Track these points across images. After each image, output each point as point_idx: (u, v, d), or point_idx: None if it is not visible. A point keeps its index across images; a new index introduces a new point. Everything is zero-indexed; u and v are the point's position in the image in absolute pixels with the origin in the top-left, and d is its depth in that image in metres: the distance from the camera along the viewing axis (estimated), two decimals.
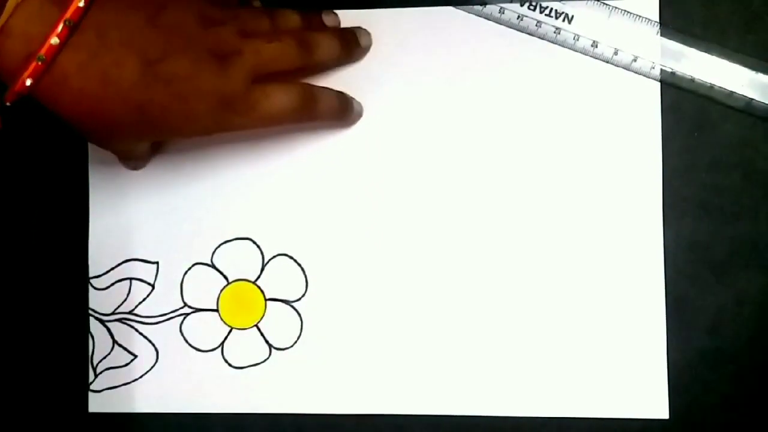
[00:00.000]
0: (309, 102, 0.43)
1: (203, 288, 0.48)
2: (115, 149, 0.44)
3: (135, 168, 0.48)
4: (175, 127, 0.40)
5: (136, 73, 0.38)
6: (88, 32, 0.37)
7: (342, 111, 0.46)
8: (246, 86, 0.40)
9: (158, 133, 0.42)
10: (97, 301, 0.49)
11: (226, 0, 0.43)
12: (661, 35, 0.44)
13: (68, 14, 0.36)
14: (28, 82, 0.37)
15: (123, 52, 0.38)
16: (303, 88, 0.43)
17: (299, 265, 0.48)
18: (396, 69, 0.47)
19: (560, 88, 0.46)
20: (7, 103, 0.37)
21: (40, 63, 0.36)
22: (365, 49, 0.47)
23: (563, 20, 0.45)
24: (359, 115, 0.47)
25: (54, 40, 0.36)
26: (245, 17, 0.42)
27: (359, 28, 0.46)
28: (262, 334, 0.48)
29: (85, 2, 0.37)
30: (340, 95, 0.46)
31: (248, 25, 0.42)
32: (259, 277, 0.48)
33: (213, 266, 0.48)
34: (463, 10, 0.46)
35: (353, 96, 0.47)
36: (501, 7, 0.45)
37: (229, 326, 0.48)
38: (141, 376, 0.48)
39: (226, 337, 0.48)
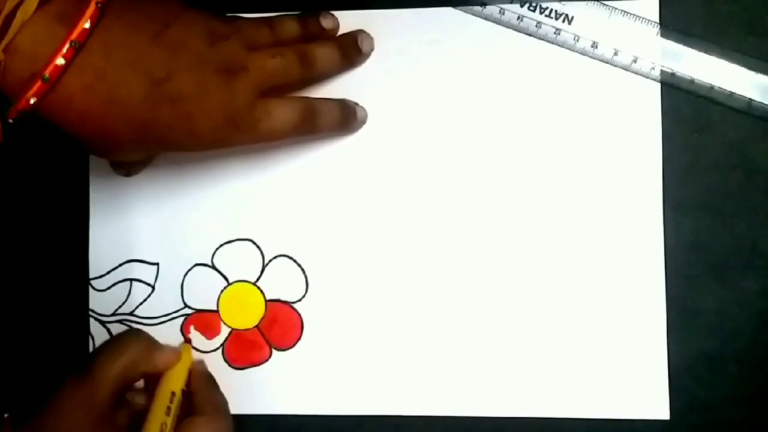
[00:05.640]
0: (311, 117, 0.43)
1: (204, 289, 0.48)
2: (113, 159, 0.44)
3: (127, 175, 0.48)
4: (179, 144, 0.40)
5: (141, 94, 0.38)
6: (93, 53, 0.37)
7: (344, 122, 0.46)
8: (250, 103, 0.40)
9: (161, 148, 0.42)
10: (98, 302, 0.49)
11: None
12: (661, 36, 0.44)
13: (74, 35, 0.36)
14: (32, 101, 0.36)
15: (128, 73, 0.38)
16: (305, 104, 0.43)
17: (299, 266, 0.48)
18: (395, 70, 0.47)
19: (560, 89, 0.46)
20: (10, 120, 0.37)
21: (44, 83, 0.36)
22: (367, 55, 0.46)
23: (563, 21, 0.45)
24: (363, 122, 0.47)
25: (59, 61, 0.36)
26: (247, 29, 0.42)
27: (361, 31, 0.46)
28: (262, 335, 0.48)
29: (91, 23, 0.36)
30: (343, 106, 0.46)
31: (251, 38, 0.41)
32: (259, 278, 0.48)
33: (213, 267, 0.48)
34: (463, 11, 0.46)
35: (352, 96, 0.47)
36: (501, 8, 0.45)
37: (229, 327, 0.48)
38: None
39: (226, 338, 0.48)
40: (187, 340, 0.48)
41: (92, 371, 0.43)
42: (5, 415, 0.45)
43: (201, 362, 0.47)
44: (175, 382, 0.45)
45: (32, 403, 0.45)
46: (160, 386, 0.44)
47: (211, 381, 0.47)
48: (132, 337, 0.45)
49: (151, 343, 0.45)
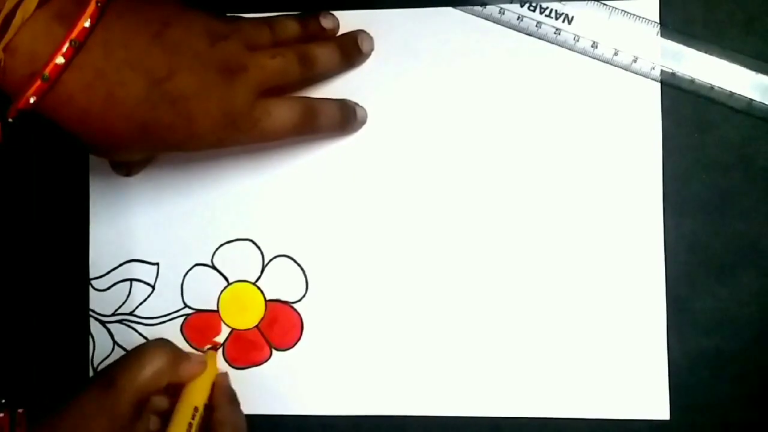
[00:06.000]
0: (311, 117, 0.43)
1: (204, 289, 0.48)
2: (113, 159, 0.44)
3: (127, 175, 0.48)
4: (179, 144, 0.40)
5: (141, 93, 0.38)
6: (93, 52, 0.37)
7: (344, 122, 0.46)
8: (250, 103, 0.40)
9: (161, 148, 0.42)
10: (98, 302, 0.49)
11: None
12: (661, 36, 0.44)
13: (74, 34, 0.36)
14: (32, 100, 0.36)
15: (128, 72, 0.38)
16: (305, 103, 0.43)
17: (299, 266, 0.48)
18: (395, 70, 0.47)
19: (560, 89, 0.46)
20: (10, 119, 0.37)
21: (44, 82, 0.36)
22: (367, 55, 0.47)
23: (563, 21, 0.45)
24: (363, 122, 0.47)
25: (59, 60, 0.36)
26: (247, 29, 0.42)
27: (361, 31, 0.46)
28: (262, 335, 0.48)
29: (91, 22, 0.36)
30: (343, 106, 0.46)
31: (251, 38, 0.41)
32: (259, 278, 0.48)
33: (213, 267, 0.48)
34: (463, 11, 0.46)
35: (352, 96, 0.47)
36: (501, 8, 0.45)
37: (229, 327, 0.48)
38: None
39: (226, 338, 0.48)
40: (214, 347, 0.48)
41: (116, 380, 0.43)
42: (19, 410, 0.44)
43: (225, 375, 0.47)
44: (198, 395, 0.44)
45: (31, 403, 0.45)
46: (183, 399, 0.44)
47: (233, 399, 0.46)
48: (157, 347, 0.45)
49: (177, 353, 0.45)
